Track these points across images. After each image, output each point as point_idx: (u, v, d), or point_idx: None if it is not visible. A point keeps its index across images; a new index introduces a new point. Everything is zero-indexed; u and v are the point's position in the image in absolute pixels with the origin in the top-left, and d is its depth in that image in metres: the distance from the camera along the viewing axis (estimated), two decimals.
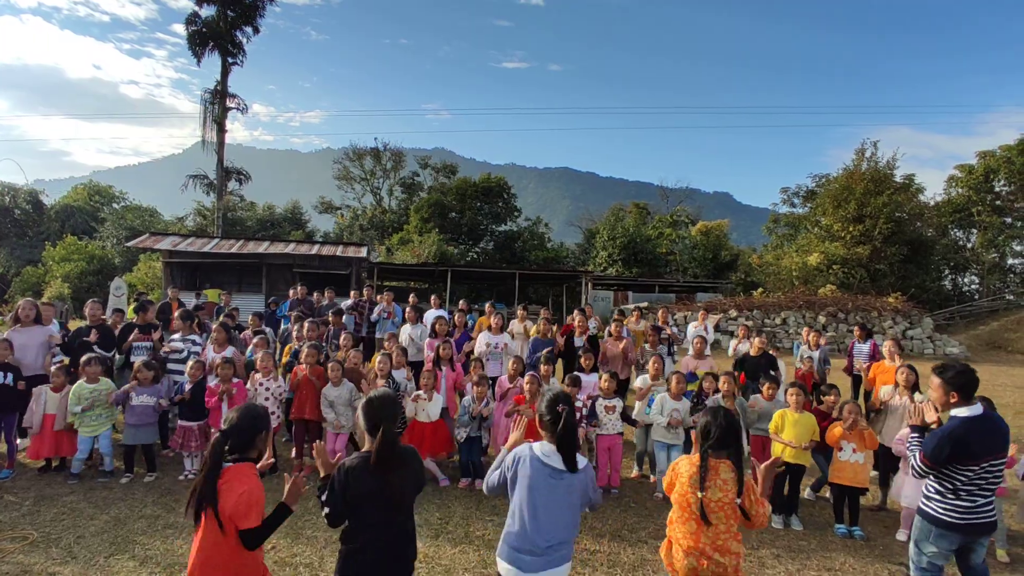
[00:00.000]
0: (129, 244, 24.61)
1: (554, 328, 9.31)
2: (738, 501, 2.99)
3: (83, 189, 48.43)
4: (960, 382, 3.51)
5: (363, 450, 2.83)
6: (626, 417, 6.16)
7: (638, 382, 6.98)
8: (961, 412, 3.49)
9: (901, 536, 5.31)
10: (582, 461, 2.93)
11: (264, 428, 2.85)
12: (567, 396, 3.02)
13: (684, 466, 3.11)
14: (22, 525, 4.84)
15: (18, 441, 6.33)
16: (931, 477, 3.51)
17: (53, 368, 6.22)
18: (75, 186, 49.81)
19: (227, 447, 2.70)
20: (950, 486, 3.46)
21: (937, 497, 3.53)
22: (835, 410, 5.86)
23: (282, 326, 9.59)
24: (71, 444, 6.04)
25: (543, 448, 2.89)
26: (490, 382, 6.68)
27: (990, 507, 3.50)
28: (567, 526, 2.88)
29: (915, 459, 3.57)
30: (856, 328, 9.34)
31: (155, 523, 4.97)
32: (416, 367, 7.22)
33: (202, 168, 34.13)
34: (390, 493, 2.69)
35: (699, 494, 2.99)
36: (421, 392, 6.18)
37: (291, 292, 11.53)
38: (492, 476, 3.00)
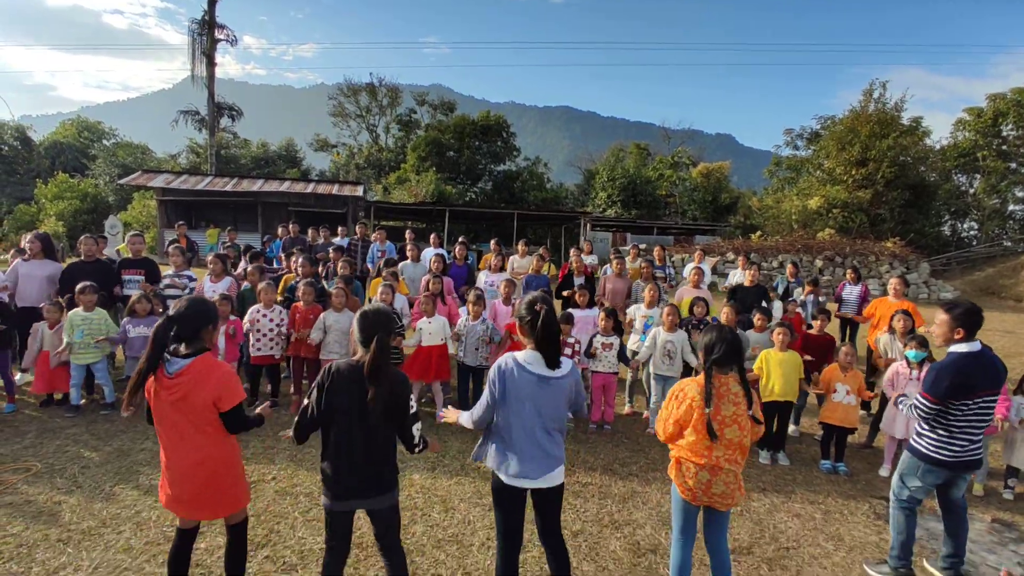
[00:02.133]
0: (122, 182, 24.26)
1: (551, 267, 9.34)
2: (750, 412, 3.06)
3: (71, 125, 47.31)
4: (967, 320, 3.54)
5: (354, 358, 2.85)
6: (621, 356, 6.24)
7: (630, 311, 7.07)
8: (960, 348, 3.53)
9: (884, 472, 5.48)
10: (567, 364, 2.96)
11: (210, 322, 2.90)
12: (544, 297, 3.00)
13: (692, 388, 3.14)
14: (25, 457, 4.94)
15: (17, 376, 6.41)
16: (932, 418, 3.54)
17: (44, 304, 6.21)
18: (63, 122, 48.64)
19: (172, 333, 2.74)
20: (944, 422, 3.52)
21: (930, 435, 3.61)
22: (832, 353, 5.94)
23: (276, 265, 9.54)
24: (65, 380, 6.08)
25: (526, 356, 2.90)
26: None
27: (979, 445, 3.58)
28: (557, 429, 2.95)
29: (917, 400, 3.61)
30: (848, 271, 9.37)
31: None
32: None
33: (193, 104, 33.31)
34: (367, 405, 2.69)
35: (706, 410, 3.03)
36: (423, 319, 6.28)
37: (280, 231, 11.40)
38: (477, 409, 3.02)
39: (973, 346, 3.52)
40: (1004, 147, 33.87)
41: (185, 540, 2.98)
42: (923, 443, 3.65)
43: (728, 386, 3.07)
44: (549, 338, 2.86)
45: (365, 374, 2.71)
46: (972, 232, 36.32)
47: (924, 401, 3.54)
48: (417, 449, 2.88)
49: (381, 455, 2.81)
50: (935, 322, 3.71)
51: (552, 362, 2.87)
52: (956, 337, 3.56)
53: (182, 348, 2.81)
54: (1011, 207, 35.50)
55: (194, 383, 2.71)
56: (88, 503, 4.21)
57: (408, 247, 8.91)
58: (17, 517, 3.97)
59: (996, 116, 33.38)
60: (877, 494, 5.02)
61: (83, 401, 6.19)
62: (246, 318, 6.33)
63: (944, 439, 3.55)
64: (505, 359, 2.95)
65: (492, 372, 2.95)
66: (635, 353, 6.47)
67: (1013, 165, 33.90)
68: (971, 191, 35.84)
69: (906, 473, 3.72)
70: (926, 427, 3.64)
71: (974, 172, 35.36)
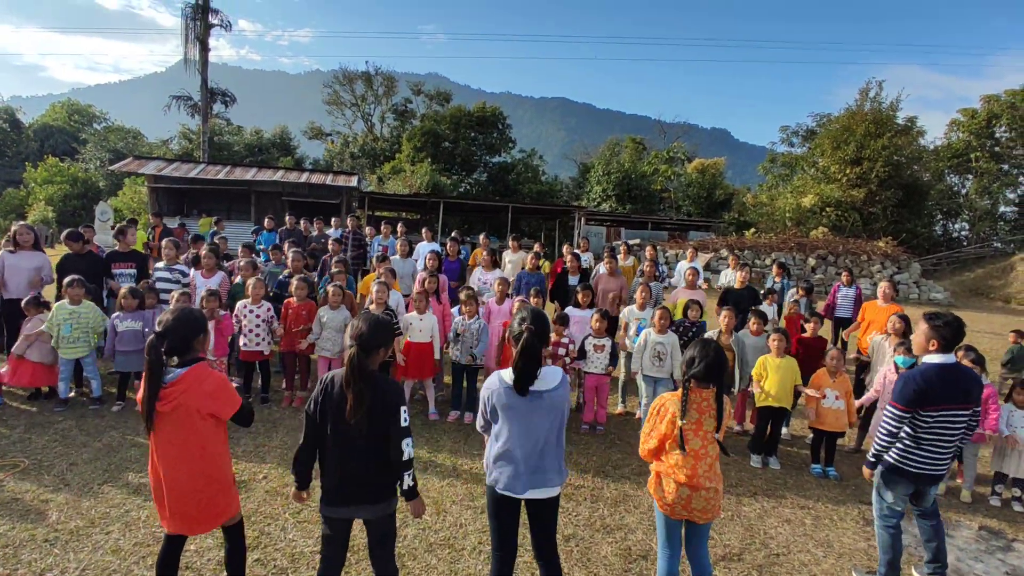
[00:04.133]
0: (112, 168, 23.97)
1: (545, 264, 9.32)
2: (716, 435, 3.06)
3: (62, 108, 46.82)
4: (944, 332, 3.53)
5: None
6: (613, 358, 6.23)
7: (623, 313, 7.06)
8: (933, 359, 3.54)
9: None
10: (557, 375, 2.91)
11: (201, 331, 2.87)
12: (539, 315, 2.93)
13: (672, 402, 3.14)
14: (13, 453, 4.88)
15: (2, 368, 6.33)
16: (905, 425, 3.56)
17: (24, 301, 6.09)
18: (53, 104, 48.14)
19: (163, 349, 2.71)
20: (911, 432, 3.54)
21: (897, 446, 3.63)
22: (823, 355, 5.95)
23: (261, 258, 9.41)
24: (49, 375, 6.03)
25: (511, 374, 2.85)
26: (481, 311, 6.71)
27: (945, 460, 3.58)
28: (553, 444, 2.91)
29: (887, 410, 3.64)
30: (844, 273, 9.40)
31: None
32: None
33: (186, 88, 32.86)
34: (347, 417, 2.66)
35: (679, 422, 3.03)
36: (413, 314, 6.26)
37: (267, 222, 11.27)
38: (479, 419, 3.06)
39: (947, 358, 3.52)
40: (997, 148, 34.07)
41: (174, 546, 2.95)
42: (890, 454, 3.67)
43: (708, 401, 3.07)
44: (524, 367, 2.79)
45: (344, 383, 2.68)
46: (963, 232, 36.56)
47: (893, 409, 3.57)
48: (404, 472, 2.77)
49: (376, 464, 2.77)
50: (916, 330, 3.74)
51: (521, 389, 2.80)
52: (931, 348, 3.57)
53: (175, 360, 2.77)
54: (1002, 208, 35.76)
55: (187, 395, 2.68)
56: (76, 501, 4.17)
57: (398, 243, 8.83)
58: (3, 516, 3.93)
59: (990, 118, 33.56)
60: (866, 499, 5.03)
61: (72, 395, 6.13)
62: (234, 313, 6.28)
63: (911, 449, 3.56)
64: (492, 380, 2.93)
65: (483, 392, 2.95)
66: (628, 355, 6.47)
67: (1005, 167, 34.13)
68: (963, 192, 36.05)
69: (880, 486, 3.75)
70: (892, 437, 3.66)
71: (967, 173, 35.54)
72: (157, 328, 2.76)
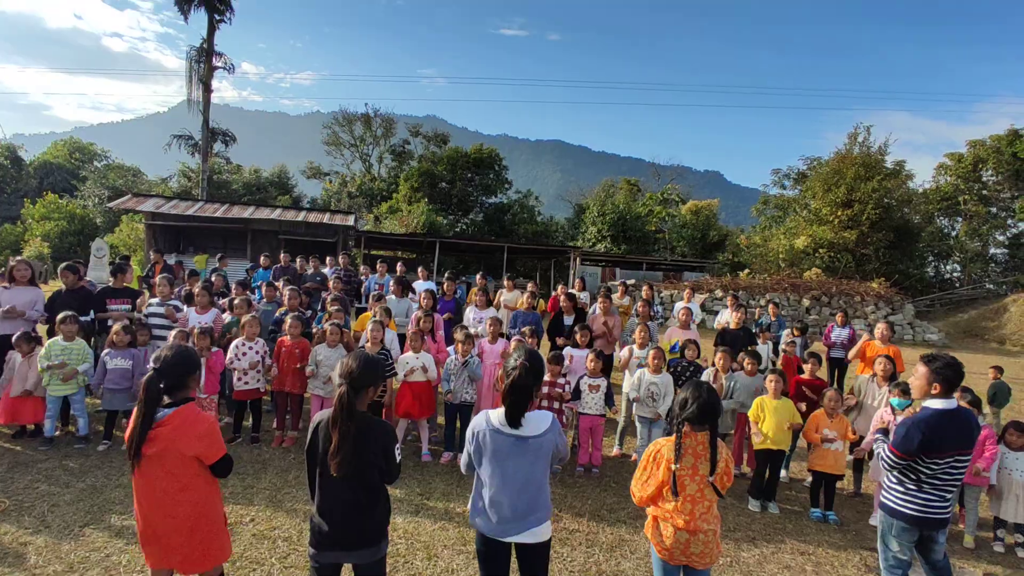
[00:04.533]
0: (111, 205, 24.13)
1: (540, 302, 9.32)
2: (710, 479, 3.00)
3: (63, 145, 47.37)
4: (946, 375, 3.48)
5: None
6: (608, 399, 6.18)
7: (623, 352, 7.03)
8: (935, 404, 3.48)
9: (874, 521, 5.40)
10: (547, 419, 2.88)
11: (196, 370, 2.88)
12: (534, 354, 2.92)
13: (667, 446, 3.10)
14: None
15: None
16: (896, 471, 3.51)
17: (15, 337, 6.03)
18: (55, 142, 48.75)
19: (161, 385, 2.69)
20: (913, 477, 3.48)
21: (898, 488, 3.56)
22: (818, 397, 5.91)
23: (256, 295, 9.39)
24: (35, 411, 5.93)
25: (500, 418, 2.82)
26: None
27: (948, 504, 3.52)
28: (539, 488, 2.85)
29: (884, 451, 3.59)
30: (839, 314, 9.44)
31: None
32: (401, 340, 7.18)
33: (187, 128, 33.33)
34: (328, 457, 2.62)
35: (674, 467, 2.98)
36: (409, 354, 6.21)
37: (262, 260, 11.29)
38: (463, 458, 3.00)
39: (948, 403, 3.46)
40: (984, 192, 34.72)
41: None
42: (891, 497, 3.60)
43: (704, 444, 3.03)
44: (513, 401, 2.78)
45: (330, 422, 2.64)
46: (955, 274, 36.91)
47: (891, 455, 3.50)
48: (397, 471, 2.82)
49: (365, 507, 2.71)
50: (914, 374, 3.67)
51: (512, 422, 2.79)
52: (933, 392, 3.51)
53: (165, 398, 2.74)
54: (993, 250, 36.22)
55: (176, 435, 2.64)
56: (56, 544, 4.04)
57: (392, 284, 8.84)
58: None
59: (976, 162, 34.30)
60: (867, 545, 4.94)
61: (57, 433, 6.02)
62: (228, 353, 6.23)
63: (913, 492, 3.50)
64: (479, 421, 2.89)
65: (469, 432, 2.92)
66: (627, 395, 6.41)
67: (994, 210, 34.72)
68: (953, 234, 36.56)
69: (884, 533, 3.66)
70: (893, 480, 3.59)
71: (956, 215, 36.14)
72: (154, 364, 2.73)
